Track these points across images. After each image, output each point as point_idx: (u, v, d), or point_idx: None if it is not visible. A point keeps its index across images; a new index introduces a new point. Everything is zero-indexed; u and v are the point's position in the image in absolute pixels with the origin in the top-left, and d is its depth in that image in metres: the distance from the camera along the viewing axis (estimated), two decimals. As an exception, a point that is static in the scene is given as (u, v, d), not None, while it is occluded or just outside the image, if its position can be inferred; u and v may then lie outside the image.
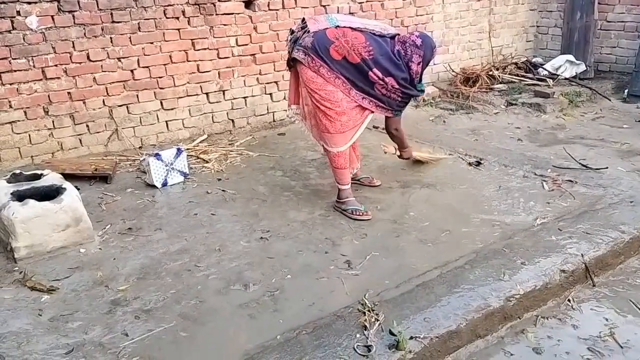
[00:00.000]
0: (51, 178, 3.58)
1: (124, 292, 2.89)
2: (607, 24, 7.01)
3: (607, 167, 4.30)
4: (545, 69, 6.92)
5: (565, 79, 6.75)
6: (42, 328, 2.60)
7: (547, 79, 6.70)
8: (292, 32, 3.69)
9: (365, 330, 2.49)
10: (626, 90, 6.46)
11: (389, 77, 3.48)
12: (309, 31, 3.53)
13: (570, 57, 6.91)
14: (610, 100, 6.40)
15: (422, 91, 3.75)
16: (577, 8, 7.03)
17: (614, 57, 7.08)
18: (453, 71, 6.92)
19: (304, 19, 3.64)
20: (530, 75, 6.94)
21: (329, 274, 3.00)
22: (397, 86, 3.51)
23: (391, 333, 2.44)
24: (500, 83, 6.79)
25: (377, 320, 2.54)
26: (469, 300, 2.70)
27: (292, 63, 3.67)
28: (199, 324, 2.63)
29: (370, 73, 3.46)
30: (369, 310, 2.60)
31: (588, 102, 6.34)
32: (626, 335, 2.65)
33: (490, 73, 6.87)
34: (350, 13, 5.85)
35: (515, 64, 7.24)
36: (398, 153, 4.23)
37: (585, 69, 6.89)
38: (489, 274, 2.89)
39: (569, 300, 2.91)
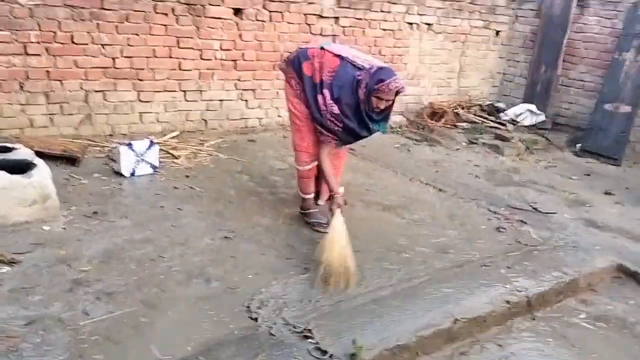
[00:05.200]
0: (23, 152, 3.58)
1: (86, 273, 2.92)
2: (569, 81, 7.45)
3: (555, 213, 4.59)
4: (507, 114, 7.29)
5: (525, 126, 7.13)
6: (2, 297, 2.62)
7: (508, 124, 7.06)
8: None
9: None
10: (579, 145, 6.86)
11: (332, 102, 3.48)
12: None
13: (532, 107, 7.30)
14: (563, 152, 6.79)
15: (368, 130, 3.56)
16: (543, 62, 7.46)
17: (571, 112, 7.51)
18: (422, 104, 7.20)
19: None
20: (492, 118, 7.30)
21: (290, 279, 3.11)
22: (336, 112, 3.47)
23: (353, 342, 2.55)
24: (464, 121, 7.12)
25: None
26: (419, 318, 2.85)
27: None
28: (160, 311, 2.69)
29: (318, 95, 3.53)
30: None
31: (543, 151, 6.71)
32: (558, 367, 2.85)
33: (456, 111, 7.20)
34: (333, 35, 6.05)
35: (480, 105, 7.60)
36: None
37: (544, 119, 7.29)
38: (440, 297, 3.07)
39: (510, 329, 3.11)
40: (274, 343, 2.51)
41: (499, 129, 6.97)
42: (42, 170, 3.41)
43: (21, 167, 3.41)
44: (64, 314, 2.55)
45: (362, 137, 3.69)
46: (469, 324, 2.95)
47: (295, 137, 3.78)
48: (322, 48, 3.60)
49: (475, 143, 6.56)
